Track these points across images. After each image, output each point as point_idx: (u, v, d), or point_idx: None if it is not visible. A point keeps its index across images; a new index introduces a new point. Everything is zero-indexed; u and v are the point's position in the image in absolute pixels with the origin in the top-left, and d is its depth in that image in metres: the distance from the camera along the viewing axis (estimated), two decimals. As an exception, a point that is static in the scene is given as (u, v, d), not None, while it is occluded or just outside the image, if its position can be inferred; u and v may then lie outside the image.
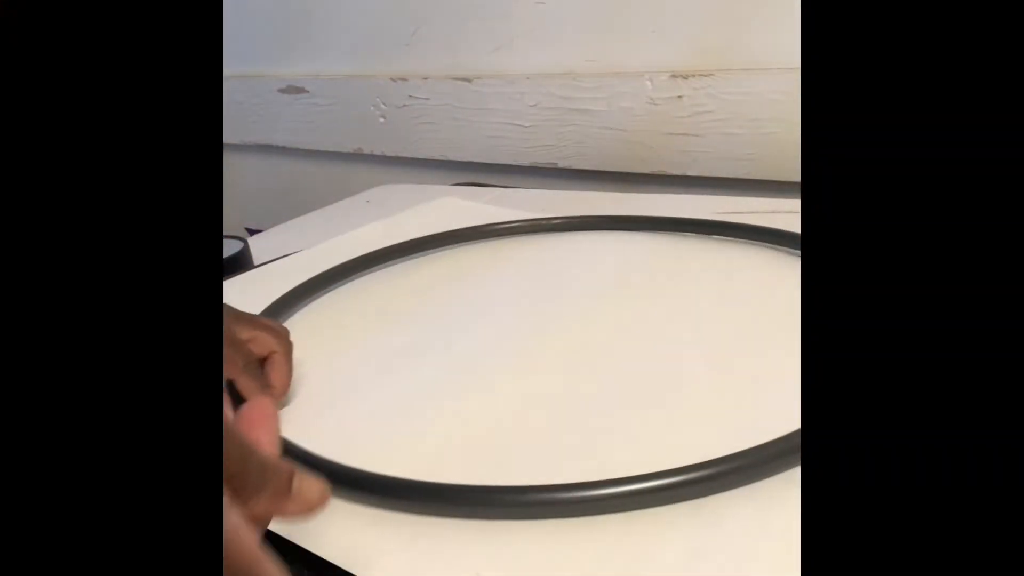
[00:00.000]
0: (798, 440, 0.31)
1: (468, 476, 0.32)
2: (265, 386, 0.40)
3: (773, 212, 0.59)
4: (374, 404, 0.41)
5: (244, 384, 0.39)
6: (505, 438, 0.36)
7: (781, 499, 0.30)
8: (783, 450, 0.31)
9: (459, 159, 0.93)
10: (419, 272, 0.60)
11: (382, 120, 0.97)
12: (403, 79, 0.93)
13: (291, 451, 0.35)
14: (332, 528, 0.31)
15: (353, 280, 0.59)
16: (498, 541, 0.29)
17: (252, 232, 0.84)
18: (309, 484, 0.23)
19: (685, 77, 0.71)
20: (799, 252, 0.49)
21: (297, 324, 0.53)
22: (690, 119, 0.72)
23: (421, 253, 0.62)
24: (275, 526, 0.28)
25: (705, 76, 0.70)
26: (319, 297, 0.57)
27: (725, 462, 0.30)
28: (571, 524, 0.30)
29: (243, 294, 0.54)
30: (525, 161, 0.86)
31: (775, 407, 0.33)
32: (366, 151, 1.01)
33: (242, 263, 0.64)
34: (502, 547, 0.29)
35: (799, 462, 0.31)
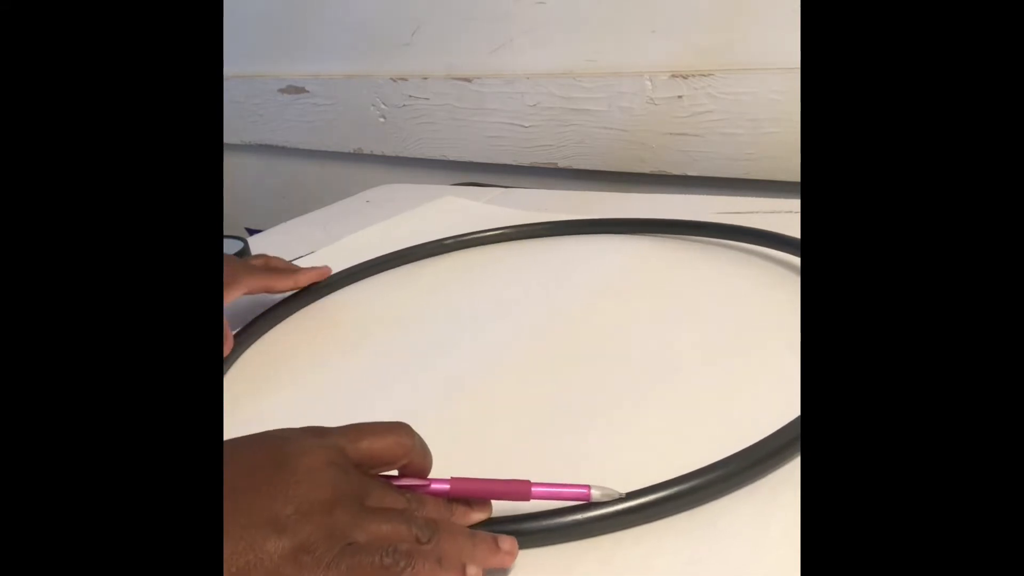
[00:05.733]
0: (783, 440, 0.31)
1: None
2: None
3: (773, 212, 0.59)
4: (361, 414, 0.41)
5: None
6: (494, 451, 0.36)
7: (777, 503, 0.30)
8: (771, 450, 0.31)
9: (459, 159, 0.93)
10: (412, 277, 0.60)
11: (382, 120, 0.97)
12: (403, 79, 0.93)
13: None
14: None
15: (343, 289, 0.59)
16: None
17: (252, 232, 0.84)
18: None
19: (685, 77, 0.71)
20: (778, 250, 0.50)
21: (287, 330, 0.54)
22: (690, 119, 0.72)
23: (415, 260, 0.62)
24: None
25: (705, 76, 0.70)
26: (311, 304, 0.57)
27: (714, 469, 0.30)
28: (564, 549, 0.29)
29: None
30: (525, 161, 0.86)
31: (771, 410, 0.33)
32: (366, 151, 1.01)
33: (242, 263, 0.64)
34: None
35: (784, 461, 0.31)
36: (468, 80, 0.87)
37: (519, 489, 0.29)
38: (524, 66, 0.82)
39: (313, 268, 0.56)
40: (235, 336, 0.50)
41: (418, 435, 0.30)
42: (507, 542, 0.28)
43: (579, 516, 0.29)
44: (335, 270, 0.59)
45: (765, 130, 0.68)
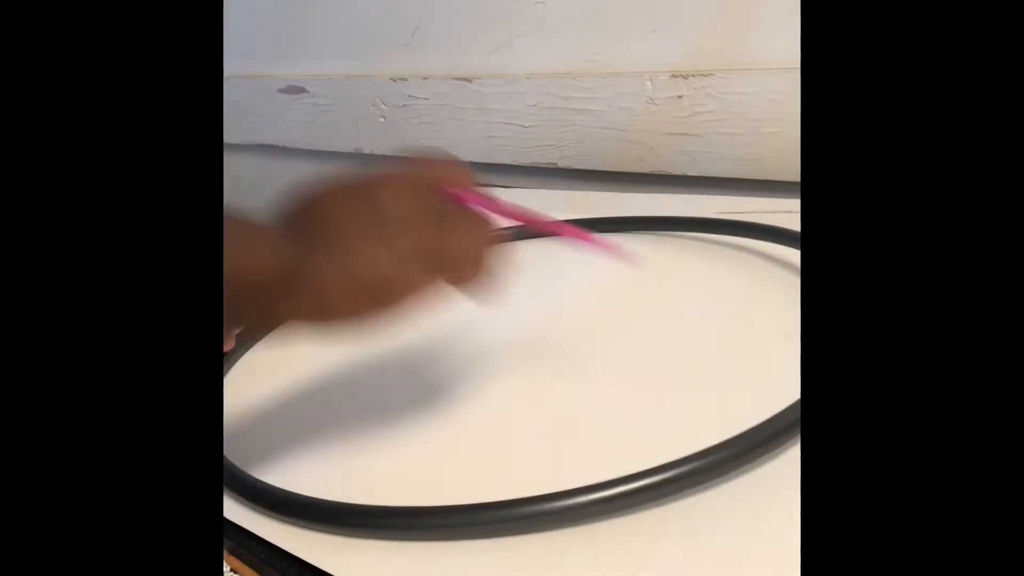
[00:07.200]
0: (784, 422, 0.31)
1: (454, 491, 0.32)
2: None
3: (773, 212, 0.59)
4: (363, 413, 0.41)
5: None
6: (496, 450, 0.36)
7: (778, 488, 0.30)
8: (772, 432, 0.30)
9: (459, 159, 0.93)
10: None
11: (382, 120, 0.97)
12: (403, 79, 0.93)
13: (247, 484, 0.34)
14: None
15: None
16: (475, 560, 0.28)
17: (252, 232, 0.84)
18: None
19: (685, 77, 0.71)
20: (778, 244, 0.50)
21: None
22: (690, 119, 0.72)
23: None
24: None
25: (705, 76, 0.70)
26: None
27: (715, 451, 0.30)
28: (559, 535, 0.29)
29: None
30: (525, 161, 0.86)
31: (772, 404, 0.33)
32: (366, 151, 1.01)
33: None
34: (483, 567, 0.28)
35: (785, 445, 0.31)
36: (468, 80, 0.87)
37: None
38: (524, 66, 0.82)
39: None
40: (236, 336, 0.50)
41: None
42: None
43: (577, 500, 0.28)
44: None
45: (765, 130, 0.68)
